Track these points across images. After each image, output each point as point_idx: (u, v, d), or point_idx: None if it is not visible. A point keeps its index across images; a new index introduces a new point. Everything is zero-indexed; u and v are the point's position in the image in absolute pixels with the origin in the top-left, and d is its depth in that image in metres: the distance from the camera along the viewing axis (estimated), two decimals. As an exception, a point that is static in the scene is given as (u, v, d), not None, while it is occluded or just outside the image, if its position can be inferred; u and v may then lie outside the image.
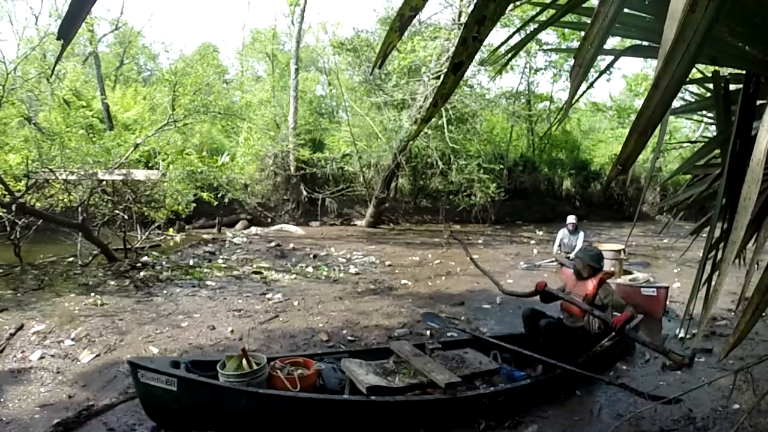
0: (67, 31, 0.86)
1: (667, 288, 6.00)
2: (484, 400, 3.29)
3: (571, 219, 8.72)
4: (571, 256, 8.14)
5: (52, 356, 4.26)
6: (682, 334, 5.24)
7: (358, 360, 3.50)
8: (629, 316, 3.76)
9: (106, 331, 4.91)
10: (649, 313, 5.82)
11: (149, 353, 4.38)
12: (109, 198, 8.66)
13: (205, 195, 10.07)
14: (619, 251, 7.18)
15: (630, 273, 7.07)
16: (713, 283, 1.73)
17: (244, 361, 3.20)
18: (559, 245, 8.75)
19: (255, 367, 3.18)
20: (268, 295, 6.56)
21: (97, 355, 4.30)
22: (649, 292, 5.97)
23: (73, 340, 4.65)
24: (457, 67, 0.93)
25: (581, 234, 8.66)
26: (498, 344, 4.06)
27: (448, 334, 4.90)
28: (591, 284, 4.16)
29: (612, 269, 6.91)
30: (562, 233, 8.76)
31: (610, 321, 3.76)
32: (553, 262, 9.13)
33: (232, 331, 5.07)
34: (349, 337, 5.03)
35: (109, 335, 4.82)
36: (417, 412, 3.16)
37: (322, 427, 3.07)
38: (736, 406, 3.60)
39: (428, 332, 5.20)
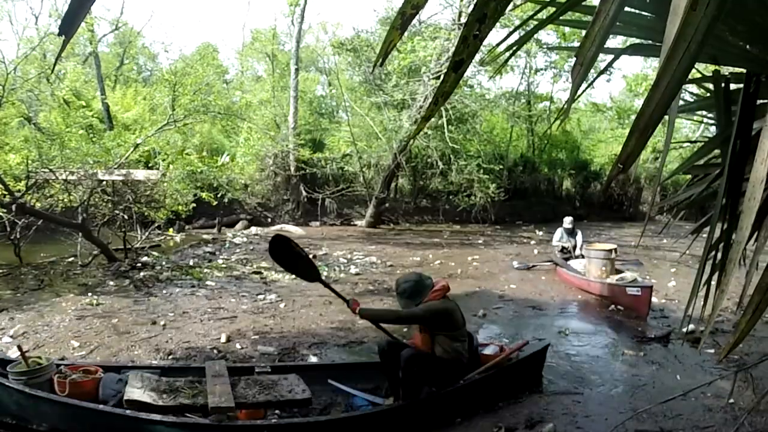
0: (69, 27, 0.85)
1: (650, 287, 6.09)
2: None
3: (567, 220, 8.76)
4: (578, 252, 8.30)
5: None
6: (684, 330, 5.31)
7: (149, 374, 3.31)
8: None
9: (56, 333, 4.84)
10: (636, 312, 6.01)
11: (64, 351, 4.34)
12: (109, 198, 8.66)
13: (204, 195, 10.07)
14: (610, 251, 7.23)
15: (621, 272, 7.15)
16: (713, 282, 1.73)
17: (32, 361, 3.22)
18: (558, 241, 8.78)
19: (34, 367, 3.17)
20: (266, 297, 6.52)
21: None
22: (634, 291, 6.10)
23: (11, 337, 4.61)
24: (458, 65, 0.93)
25: (579, 235, 8.71)
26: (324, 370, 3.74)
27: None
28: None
29: (603, 269, 7.00)
30: (560, 233, 8.79)
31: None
32: (548, 262, 9.14)
33: (225, 336, 5.04)
34: (351, 339, 5.02)
35: (41, 335, 4.75)
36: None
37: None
38: (732, 401, 3.60)
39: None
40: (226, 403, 2.86)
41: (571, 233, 8.70)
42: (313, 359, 4.40)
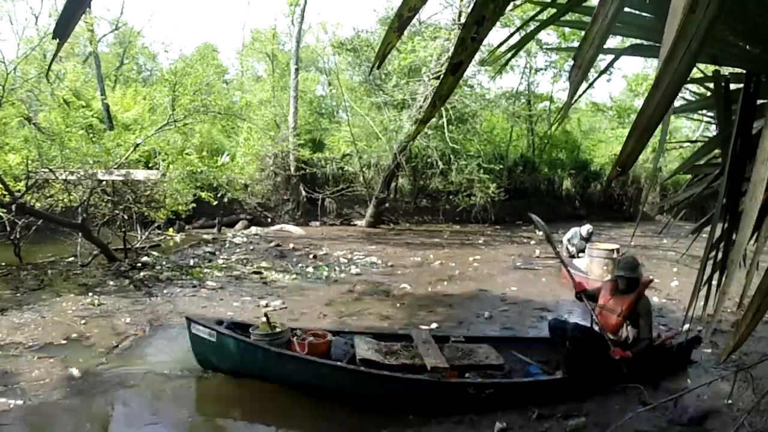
0: (63, 30, 0.85)
1: None
2: (470, 390, 3.43)
3: (587, 228, 8.70)
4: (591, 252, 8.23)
5: None
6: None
7: (370, 338, 3.99)
8: (629, 355, 3.71)
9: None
10: None
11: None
12: (109, 198, 8.65)
13: (204, 195, 10.06)
14: (612, 251, 7.26)
15: None
16: (714, 282, 1.73)
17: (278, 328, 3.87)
18: (569, 240, 8.71)
19: (272, 331, 3.82)
20: (265, 299, 6.49)
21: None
22: None
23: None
24: (456, 67, 0.92)
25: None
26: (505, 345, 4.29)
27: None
28: (628, 300, 3.89)
29: (604, 268, 7.00)
30: (573, 232, 8.71)
31: (642, 346, 3.85)
32: (553, 258, 9.10)
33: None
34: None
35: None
36: (402, 389, 3.48)
37: (316, 386, 3.57)
38: (732, 401, 3.60)
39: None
40: (441, 364, 3.51)
41: (586, 239, 8.60)
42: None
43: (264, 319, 3.96)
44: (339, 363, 3.60)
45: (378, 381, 3.46)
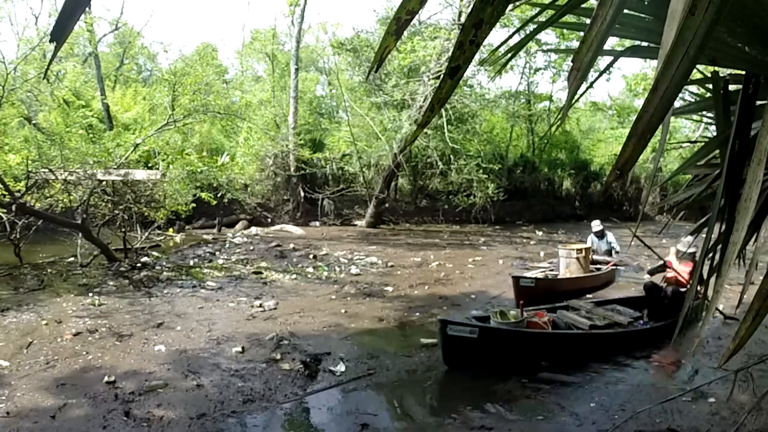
0: (60, 33, 0.85)
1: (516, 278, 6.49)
2: (646, 334, 4.89)
3: (595, 225, 8.43)
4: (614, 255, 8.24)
5: None
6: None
7: (567, 312, 5.23)
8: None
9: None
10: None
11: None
12: (109, 198, 8.65)
13: (204, 195, 10.06)
14: (573, 250, 7.28)
15: (595, 271, 7.59)
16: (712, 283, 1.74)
17: (511, 312, 4.62)
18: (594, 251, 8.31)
19: (521, 317, 4.53)
20: (263, 298, 6.47)
21: None
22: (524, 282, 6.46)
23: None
24: (454, 71, 0.91)
25: (610, 235, 8.46)
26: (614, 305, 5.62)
27: None
28: (690, 264, 5.66)
29: (567, 268, 7.19)
30: (591, 239, 8.40)
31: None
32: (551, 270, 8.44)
33: (223, 335, 5.06)
34: (346, 343, 5.01)
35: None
36: (615, 340, 4.74)
37: (563, 352, 4.43)
38: (732, 401, 3.60)
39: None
40: (629, 318, 5.06)
41: (600, 237, 8.36)
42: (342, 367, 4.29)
43: (494, 309, 4.83)
44: (583, 331, 4.67)
45: (605, 338, 4.70)
